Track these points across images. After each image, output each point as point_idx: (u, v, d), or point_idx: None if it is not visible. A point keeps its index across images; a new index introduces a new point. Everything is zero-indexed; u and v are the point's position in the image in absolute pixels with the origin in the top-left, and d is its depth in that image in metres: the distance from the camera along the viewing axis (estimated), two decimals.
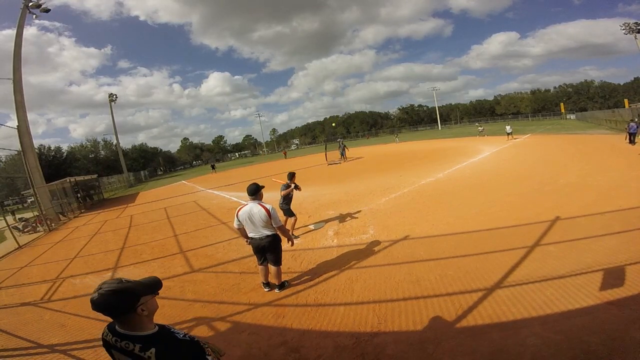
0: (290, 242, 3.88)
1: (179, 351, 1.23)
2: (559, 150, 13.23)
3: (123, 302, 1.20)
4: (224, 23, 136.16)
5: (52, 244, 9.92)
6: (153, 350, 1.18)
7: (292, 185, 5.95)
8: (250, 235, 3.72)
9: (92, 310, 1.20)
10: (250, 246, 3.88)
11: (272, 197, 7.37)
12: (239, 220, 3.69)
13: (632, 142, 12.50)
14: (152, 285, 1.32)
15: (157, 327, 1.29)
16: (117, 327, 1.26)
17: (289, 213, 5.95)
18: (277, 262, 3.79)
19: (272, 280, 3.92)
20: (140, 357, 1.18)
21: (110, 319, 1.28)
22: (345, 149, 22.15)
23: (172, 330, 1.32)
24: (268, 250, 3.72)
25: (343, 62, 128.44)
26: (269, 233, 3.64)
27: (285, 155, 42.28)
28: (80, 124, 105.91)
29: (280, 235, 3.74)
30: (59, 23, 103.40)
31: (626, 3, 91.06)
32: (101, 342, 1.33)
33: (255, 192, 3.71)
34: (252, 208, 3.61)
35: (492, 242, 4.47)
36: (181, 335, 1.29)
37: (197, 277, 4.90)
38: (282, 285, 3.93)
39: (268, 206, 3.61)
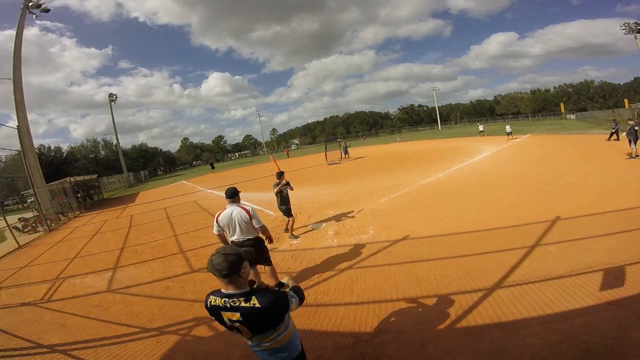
0: (269, 241, 3.77)
1: (271, 294, 1.59)
2: (558, 150, 13.22)
3: (236, 263, 1.54)
4: (223, 24, 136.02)
5: (52, 244, 9.91)
6: (253, 297, 1.53)
7: (284, 182, 5.83)
8: (231, 239, 3.63)
9: (208, 271, 1.54)
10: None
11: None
12: (219, 226, 3.56)
13: (617, 139, 13.55)
14: (248, 253, 1.69)
15: (249, 287, 1.63)
16: (222, 290, 1.59)
17: (287, 213, 5.96)
18: (267, 261, 3.76)
19: (268, 280, 3.88)
20: (246, 307, 1.52)
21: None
22: (342, 150, 22.90)
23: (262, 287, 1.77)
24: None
25: (343, 62, 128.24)
26: (251, 237, 3.58)
27: (287, 154, 42.00)
28: (80, 124, 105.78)
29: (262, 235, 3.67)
30: (60, 24, 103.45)
31: (625, 3, 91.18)
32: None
33: (234, 194, 3.65)
34: (233, 211, 3.54)
35: (492, 242, 4.47)
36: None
37: (197, 277, 4.90)
38: (279, 285, 3.90)
39: (248, 207, 3.56)
